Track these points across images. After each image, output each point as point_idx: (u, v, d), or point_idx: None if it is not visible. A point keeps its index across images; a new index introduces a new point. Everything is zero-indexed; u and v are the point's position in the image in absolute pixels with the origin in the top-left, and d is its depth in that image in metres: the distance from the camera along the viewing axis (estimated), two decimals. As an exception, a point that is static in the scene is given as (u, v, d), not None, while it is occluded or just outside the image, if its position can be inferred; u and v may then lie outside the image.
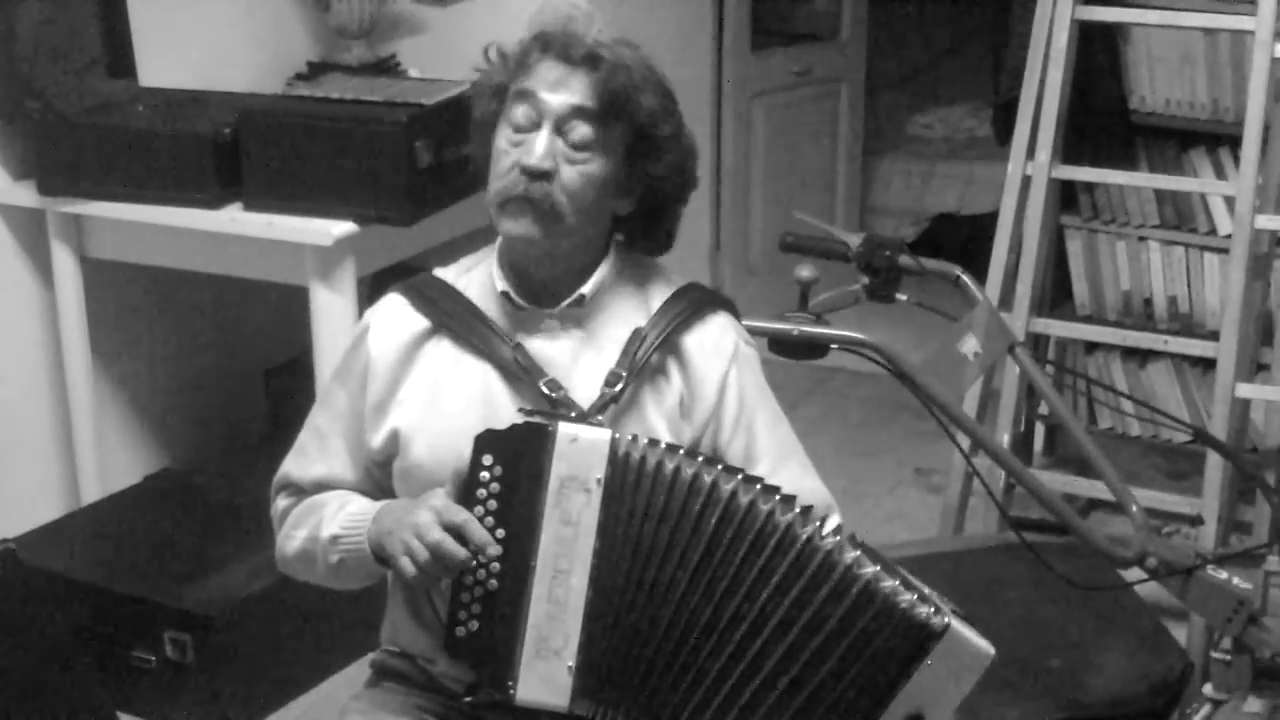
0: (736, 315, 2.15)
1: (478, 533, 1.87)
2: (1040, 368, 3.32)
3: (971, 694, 1.90)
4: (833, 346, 2.60)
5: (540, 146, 1.95)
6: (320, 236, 3.32)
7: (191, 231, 3.43)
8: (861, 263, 2.87)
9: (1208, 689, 2.98)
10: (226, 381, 4.17)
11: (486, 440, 1.89)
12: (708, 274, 5.23)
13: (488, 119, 2.03)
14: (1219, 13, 3.46)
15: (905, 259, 2.84)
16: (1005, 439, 3.58)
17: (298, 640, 3.37)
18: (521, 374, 2.00)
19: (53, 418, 3.76)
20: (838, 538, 1.89)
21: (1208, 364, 3.75)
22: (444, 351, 2.05)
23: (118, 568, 3.37)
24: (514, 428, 1.90)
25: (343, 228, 3.33)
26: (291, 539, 2.10)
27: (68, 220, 3.55)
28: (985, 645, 1.89)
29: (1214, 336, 3.51)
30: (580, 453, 1.88)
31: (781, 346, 2.59)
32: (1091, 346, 4.09)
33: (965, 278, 2.96)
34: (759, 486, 1.90)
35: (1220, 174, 3.79)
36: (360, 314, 2.19)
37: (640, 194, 2.06)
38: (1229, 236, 3.51)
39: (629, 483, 1.88)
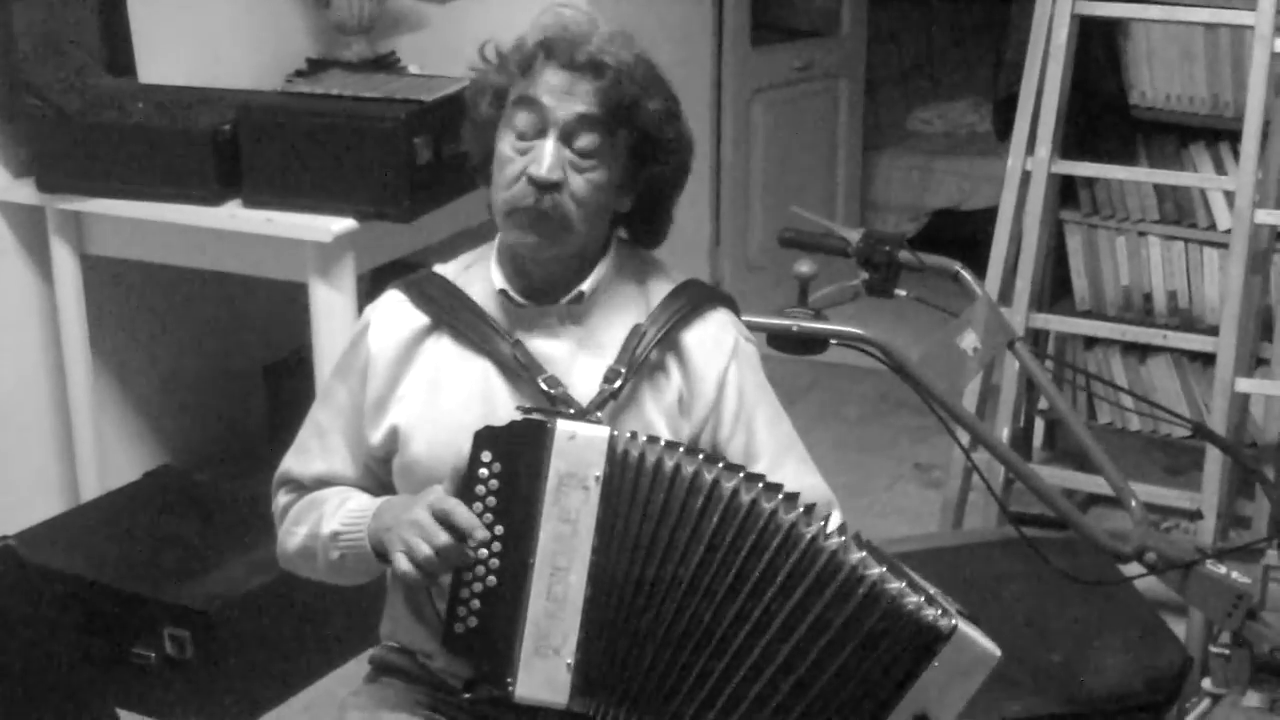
0: (736, 311, 2.15)
1: (464, 518, 1.86)
2: (1040, 363, 3.32)
3: (971, 689, 1.90)
4: (832, 342, 2.60)
5: (549, 158, 1.95)
6: (320, 233, 3.32)
7: (191, 228, 3.43)
8: (861, 258, 2.87)
9: (1207, 683, 2.98)
10: (226, 378, 4.18)
11: (485, 437, 1.89)
12: (707, 270, 5.23)
13: (487, 122, 2.02)
14: (1219, 7, 3.45)
15: (905, 254, 2.84)
16: (1005, 434, 3.58)
17: (297, 636, 3.38)
18: (520, 371, 2.00)
19: (52, 414, 3.76)
20: (842, 537, 1.88)
21: (1207, 359, 3.75)
22: (443, 348, 2.05)
23: (117, 564, 3.37)
24: (513, 424, 1.89)
25: (342, 224, 3.33)
26: (292, 535, 2.11)
27: (67, 217, 3.55)
28: (991, 646, 1.88)
29: (1213, 331, 3.51)
30: (579, 450, 1.88)
31: (780, 342, 2.59)
32: (1091, 341, 4.08)
33: (965, 273, 2.96)
34: (761, 485, 1.89)
35: (1220, 169, 3.79)
36: (360, 310, 2.19)
37: (641, 191, 2.06)
38: (1229, 231, 3.51)
39: (628, 480, 1.88)
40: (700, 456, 1.90)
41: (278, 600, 3.29)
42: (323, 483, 2.10)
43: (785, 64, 5.52)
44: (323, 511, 2.06)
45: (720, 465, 1.90)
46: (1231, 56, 3.70)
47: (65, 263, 3.58)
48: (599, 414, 1.97)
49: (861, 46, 5.92)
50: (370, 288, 3.42)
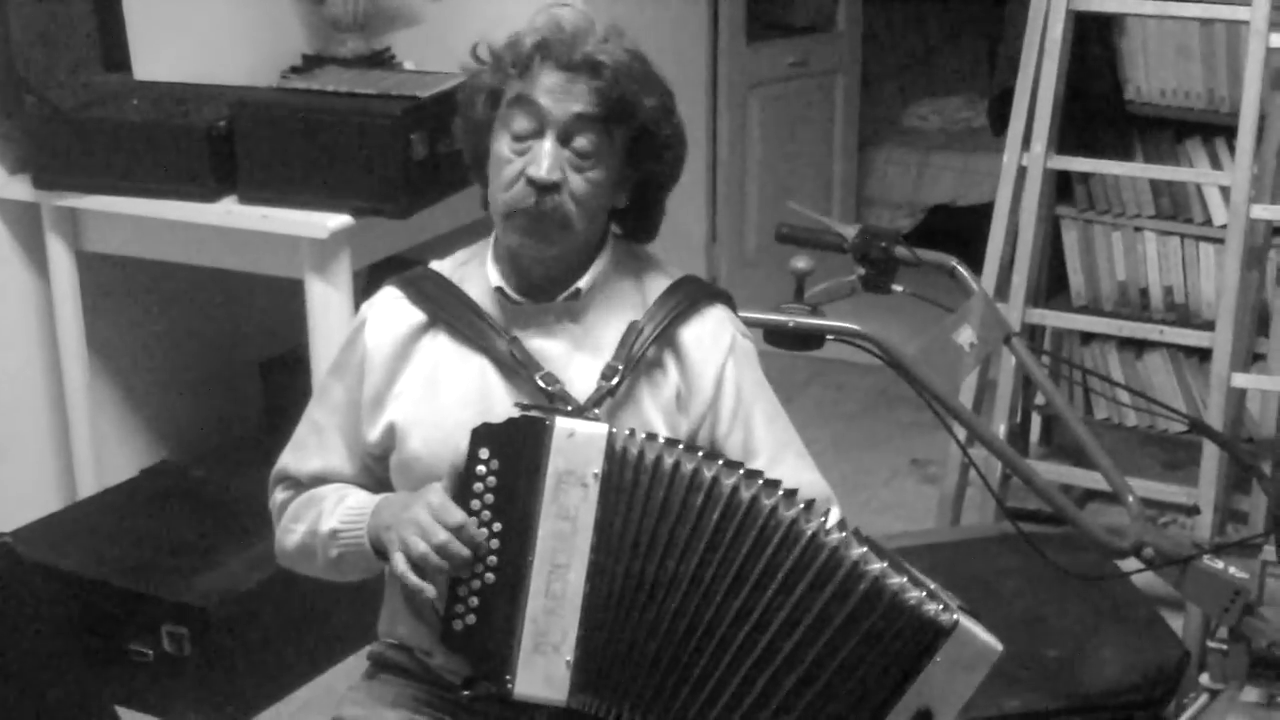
0: (733, 307, 2.15)
1: (473, 535, 1.86)
2: (1036, 358, 3.32)
3: (970, 686, 1.90)
4: (828, 338, 2.60)
5: (548, 159, 1.94)
6: (315, 229, 3.32)
7: (187, 225, 3.43)
8: (857, 254, 2.87)
9: (1204, 678, 2.98)
10: (222, 374, 4.17)
11: (483, 434, 1.88)
12: (704, 266, 5.23)
13: (482, 122, 2.02)
14: (1214, 2, 3.45)
15: (901, 250, 2.84)
16: (1001, 430, 3.58)
17: (295, 633, 3.37)
18: (518, 368, 2.00)
19: (48, 411, 3.76)
20: (843, 533, 1.88)
21: (1203, 354, 3.75)
22: (440, 345, 2.05)
23: (115, 561, 3.37)
24: (510, 421, 1.89)
25: (338, 220, 3.33)
26: (290, 533, 2.11)
27: (63, 214, 3.55)
28: (993, 641, 1.88)
29: (1210, 326, 3.51)
30: (577, 447, 1.87)
31: (777, 338, 2.59)
32: (1087, 337, 4.09)
33: (961, 268, 2.96)
34: (760, 482, 1.89)
35: (1216, 164, 3.79)
36: (356, 307, 2.19)
37: (637, 187, 2.06)
38: (1224, 226, 3.51)
39: (627, 478, 1.88)
40: (699, 454, 1.90)
41: (276, 597, 3.29)
42: (320, 480, 2.10)
43: (781, 60, 5.52)
44: (321, 509, 2.06)
45: (720, 462, 1.90)
46: (1227, 51, 3.70)
47: (61, 259, 3.58)
48: (596, 411, 1.97)
49: (857, 42, 5.92)
50: (366, 284, 3.42)
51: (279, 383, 4.03)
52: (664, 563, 1.87)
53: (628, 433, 1.90)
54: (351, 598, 2.39)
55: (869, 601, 1.86)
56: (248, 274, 3.58)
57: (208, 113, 3.41)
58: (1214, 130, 3.80)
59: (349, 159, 3.33)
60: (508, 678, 1.87)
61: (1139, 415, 4.06)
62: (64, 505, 3.71)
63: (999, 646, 1.88)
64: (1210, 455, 3.39)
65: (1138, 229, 3.92)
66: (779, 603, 1.87)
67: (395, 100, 3.39)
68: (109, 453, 3.80)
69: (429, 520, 1.87)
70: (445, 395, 2.02)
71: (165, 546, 3.43)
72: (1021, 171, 3.58)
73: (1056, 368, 4.06)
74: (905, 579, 1.87)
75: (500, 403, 1.99)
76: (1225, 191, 3.54)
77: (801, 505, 1.89)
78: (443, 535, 1.85)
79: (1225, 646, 2.94)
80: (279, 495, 2.15)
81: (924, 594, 1.86)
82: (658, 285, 2.09)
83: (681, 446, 1.91)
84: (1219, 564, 2.84)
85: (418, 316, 2.06)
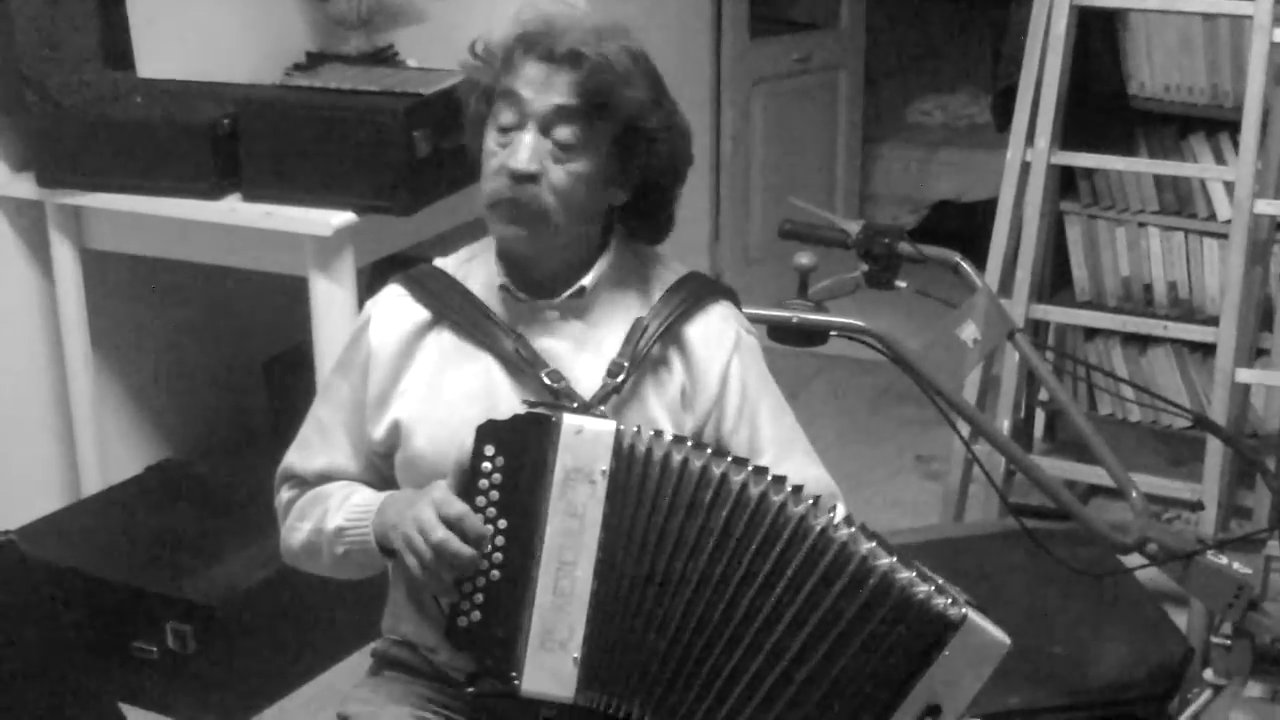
0: (737, 304, 2.15)
1: (475, 527, 1.86)
2: (1040, 354, 3.32)
3: (975, 681, 1.90)
4: (832, 334, 2.60)
5: (525, 149, 1.95)
6: (319, 227, 3.32)
7: (191, 222, 3.43)
8: (861, 250, 2.87)
9: (1208, 674, 2.98)
10: (226, 372, 4.18)
11: (488, 431, 1.88)
12: (707, 262, 5.23)
13: (478, 118, 2.03)
14: (1217, -3, 3.46)
15: (904, 246, 2.85)
16: (1005, 425, 3.58)
17: (299, 630, 3.38)
18: (523, 365, 2.00)
19: (53, 409, 3.76)
20: (851, 528, 1.88)
21: (1207, 349, 3.75)
22: (445, 342, 2.05)
23: (119, 559, 3.37)
24: (516, 418, 1.89)
25: (342, 218, 3.33)
26: (296, 531, 2.11)
27: (67, 212, 3.55)
28: (1001, 635, 1.88)
29: (1214, 322, 3.51)
30: (585, 444, 1.87)
31: (781, 334, 2.59)
32: (1091, 332, 4.09)
33: (965, 264, 2.96)
34: (770, 478, 1.89)
35: (1219, 159, 3.78)
36: (360, 304, 2.19)
37: (635, 183, 2.05)
38: (1228, 222, 3.51)
39: (635, 475, 1.87)
40: (708, 450, 1.90)
41: (280, 594, 3.30)
42: (325, 478, 2.10)
43: (784, 56, 5.52)
44: (327, 507, 2.06)
45: (728, 459, 1.90)
46: (1230, 46, 3.70)
47: (65, 257, 3.58)
48: (602, 408, 1.97)
49: (861, 38, 5.92)
50: (370, 281, 3.43)
51: (283, 380, 4.04)
52: (673, 560, 1.87)
53: (635, 430, 1.89)
54: (356, 595, 2.40)
55: (878, 596, 1.85)
56: (251, 271, 3.58)
57: (211, 110, 3.41)
58: (1218, 125, 3.79)
59: (353, 156, 3.33)
60: (514, 674, 1.87)
61: (1143, 411, 4.06)
62: (68, 503, 3.71)
63: (1007, 641, 1.88)
64: (1214, 451, 3.39)
65: (1141, 224, 3.91)
66: (788, 599, 1.86)
67: (399, 97, 3.40)
68: (113, 450, 3.81)
69: (431, 517, 1.87)
70: (450, 392, 2.02)
71: (169, 544, 3.43)
72: (1025, 167, 3.58)
73: (1060, 363, 4.05)
74: (914, 573, 1.87)
75: (505, 400, 1.99)
76: (1229, 187, 3.54)
77: (810, 501, 1.88)
78: (443, 532, 1.85)
79: (1229, 642, 2.94)
80: (284, 494, 2.15)
81: (932, 588, 1.86)
82: (662, 282, 2.09)
83: (690, 444, 1.91)
84: (1223, 559, 2.84)
85: (422, 314, 2.06)
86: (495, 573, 1.88)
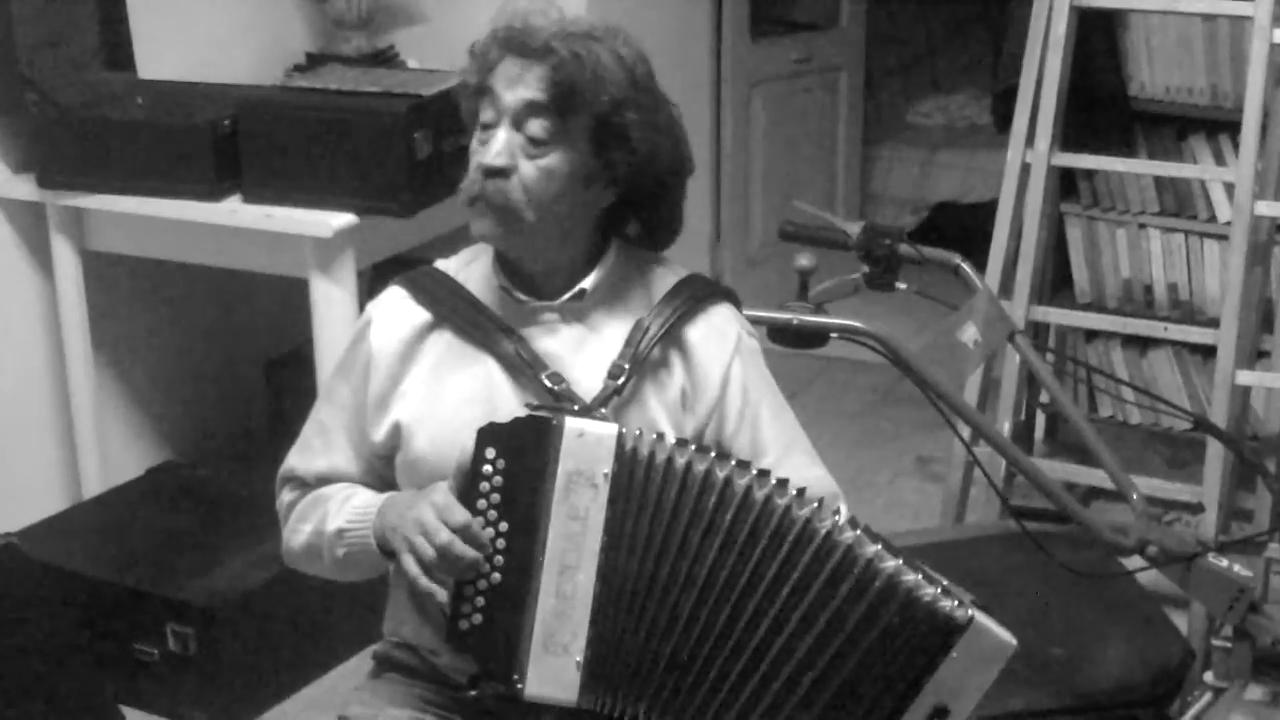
0: (738, 306, 2.14)
1: (478, 534, 1.86)
2: (1040, 356, 3.33)
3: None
4: (832, 335, 2.60)
5: (495, 145, 1.95)
6: (320, 228, 3.32)
7: (191, 224, 3.43)
8: (861, 251, 2.87)
9: (1209, 676, 2.98)
10: (227, 373, 4.18)
11: (489, 434, 1.88)
12: (708, 264, 5.23)
13: (471, 118, 2.03)
14: (1218, -2, 3.46)
15: (905, 247, 2.85)
16: (1006, 427, 3.58)
17: (300, 632, 3.38)
18: (524, 367, 2.00)
19: (54, 411, 3.76)
20: (855, 531, 1.88)
21: (1208, 351, 3.75)
22: (446, 344, 2.04)
23: (120, 561, 3.37)
24: (518, 421, 1.89)
25: (342, 219, 3.33)
26: (297, 533, 2.10)
27: (68, 213, 3.55)
28: (1007, 636, 1.87)
29: (1214, 323, 3.51)
30: (587, 448, 1.87)
31: (781, 336, 2.59)
32: (1092, 334, 4.09)
33: (965, 266, 2.96)
34: (774, 482, 1.88)
35: (1220, 160, 3.79)
36: (360, 305, 2.19)
37: (622, 183, 2.02)
38: (1229, 223, 3.51)
39: (637, 478, 1.87)
40: (711, 454, 1.89)
41: (281, 596, 3.30)
42: (326, 480, 2.10)
43: (785, 57, 5.52)
44: (327, 509, 2.06)
45: (731, 462, 1.89)
46: (1230, 47, 3.70)
47: (66, 259, 3.59)
48: (604, 411, 1.97)
49: (861, 39, 5.91)
50: (371, 283, 3.42)
51: (284, 382, 4.04)
52: (676, 563, 1.87)
53: (638, 433, 1.89)
54: (357, 597, 2.40)
55: (884, 599, 1.85)
56: (252, 273, 3.58)
57: (212, 112, 3.41)
58: (1218, 126, 3.80)
59: (353, 158, 3.33)
60: (516, 678, 1.87)
61: (1143, 413, 4.06)
62: (69, 505, 3.71)
63: (1013, 641, 1.88)
64: (1215, 453, 3.39)
65: (1142, 226, 3.91)
66: (794, 602, 1.86)
67: (399, 99, 3.40)
68: (114, 452, 3.81)
69: (433, 520, 1.86)
70: (451, 395, 2.02)
71: (170, 546, 3.43)
72: (1025, 168, 3.58)
73: (1061, 365, 4.06)
74: (920, 576, 1.86)
75: (506, 402, 1.99)
76: (1229, 188, 3.54)
77: (815, 504, 1.88)
78: (446, 535, 1.85)
79: (1229, 644, 2.94)
80: (285, 496, 2.15)
81: (938, 590, 1.86)
82: (663, 284, 2.09)
83: (693, 447, 1.90)
84: (1223, 562, 2.84)
85: (423, 316, 2.06)
86: (496, 576, 1.87)
